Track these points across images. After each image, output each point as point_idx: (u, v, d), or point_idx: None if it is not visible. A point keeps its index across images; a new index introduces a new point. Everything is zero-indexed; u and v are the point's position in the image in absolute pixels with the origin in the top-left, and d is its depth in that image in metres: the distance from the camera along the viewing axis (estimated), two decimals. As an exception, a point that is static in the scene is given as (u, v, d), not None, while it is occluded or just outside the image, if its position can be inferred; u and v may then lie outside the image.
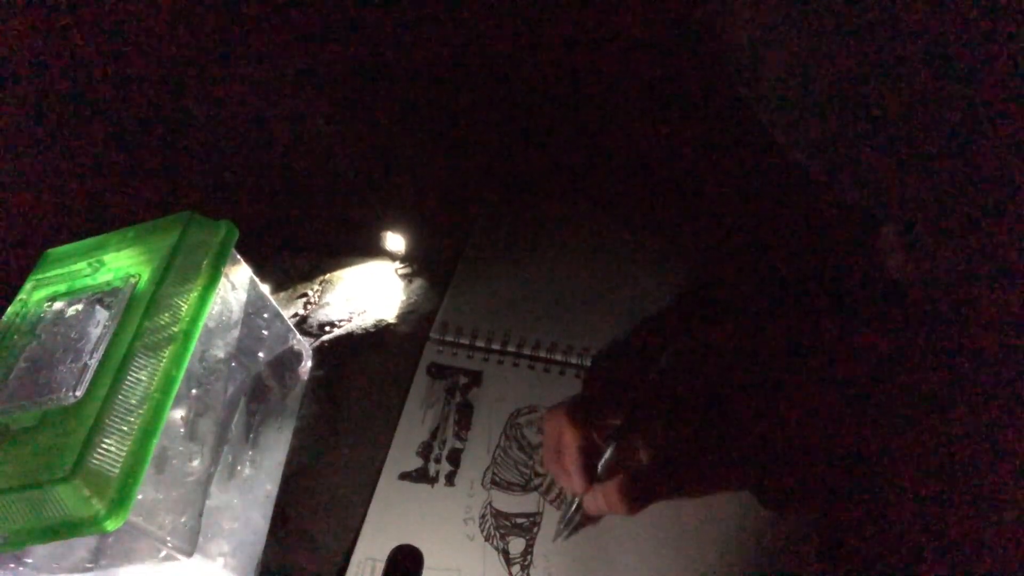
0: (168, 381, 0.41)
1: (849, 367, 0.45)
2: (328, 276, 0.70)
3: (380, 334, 0.64)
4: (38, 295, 0.48)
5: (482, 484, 0.54)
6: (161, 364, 0.41)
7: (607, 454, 0.43)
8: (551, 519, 0.51)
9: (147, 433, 0.38)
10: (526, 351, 0.61)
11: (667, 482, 0.42)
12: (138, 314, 0.43)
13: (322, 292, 0.69)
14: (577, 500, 0.45)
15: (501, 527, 0.51)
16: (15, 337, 0.45)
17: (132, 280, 0.45)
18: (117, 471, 0.37)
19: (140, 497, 0.38)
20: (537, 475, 0.54)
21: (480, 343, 0.62)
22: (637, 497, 0.41)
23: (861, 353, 0.45)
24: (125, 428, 0.38)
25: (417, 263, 0.70)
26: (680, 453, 0.42)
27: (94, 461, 0.36)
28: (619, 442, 0.43)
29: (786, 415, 0.44)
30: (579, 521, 0.46)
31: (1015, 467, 0.41)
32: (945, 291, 0.40)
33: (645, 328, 0.48)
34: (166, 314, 0.43)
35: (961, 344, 0.41)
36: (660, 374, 0.45)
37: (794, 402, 0.44)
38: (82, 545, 0.42)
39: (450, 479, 0.54)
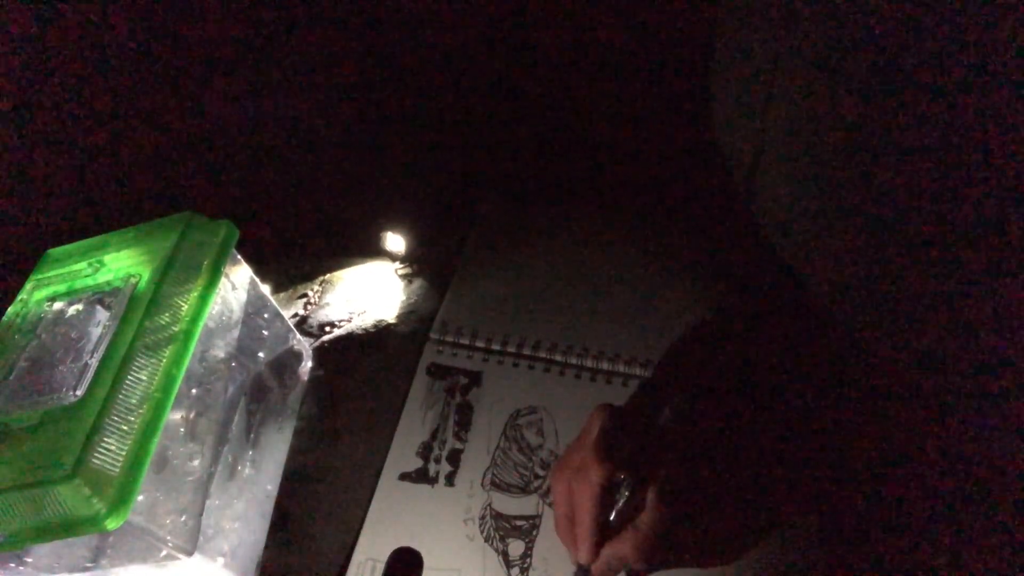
0: (168, 381, 0.41)
1: (862, 413, 0.45)
2: (328, 276, 0.70)
3: (380, 334, 0.64)
4: (39, 295, 0.48)
5: (482, 485, 0.54)
6: (161, 364, 0.41)
7: (615, 511, 0.42)
8: (550, 522, 0.51)
9: (147, 433, 0.38)
10: (526, 351, 0.61)
11: (678, 530, 0.40)
12: (138, 314, 0.43)
13: (322, 292, 0.69)
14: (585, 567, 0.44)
15: (501, 528, 0.51)
16: (16, 337, 0.45)
17: (132, 280, 0.46)
18: (118, 470, 0.37)
19: (140, 497, 0.38)
20: (537, 477, 0.54)
21: (480, 343, 0.62)
22: (648, 544, 0.39)
23: (873, 400, 0.45)
24: (126, 428, 0.38)
25: (417, 263, 0.70)
26: (692, 505, 0.41)
27: (95, 460, 0.36)
28: (627, 496, 0.41)
29: (798, 455, 0.43)
30: None
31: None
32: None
33: (653, 375, 0.47)
34: (166, 314, 0.43)
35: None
36: (663, 427, 0.45)
37: (806, 442, 0.43)
38: (82, 544, 0.42)
39: (450, 480, 0.54)
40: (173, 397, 0.40)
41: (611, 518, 0.42)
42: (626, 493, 0.42)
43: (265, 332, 0.57)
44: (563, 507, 0.44)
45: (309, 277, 0.71)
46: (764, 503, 0.43)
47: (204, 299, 0.45)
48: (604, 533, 0.42)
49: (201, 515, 0.45)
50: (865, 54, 0.30)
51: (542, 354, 0.61)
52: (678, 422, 0.44)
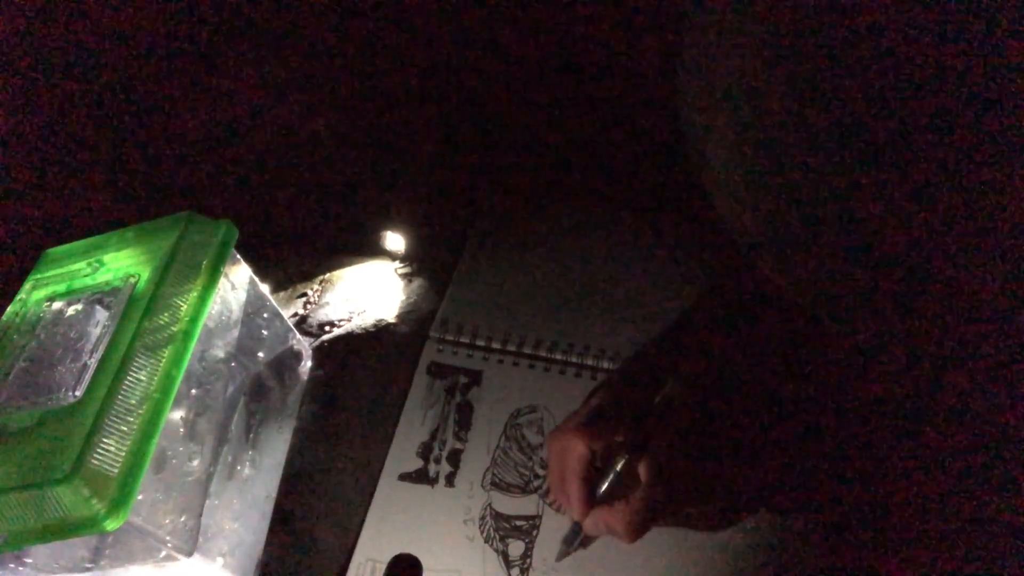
0: (168, 381, 0.40)
1: (853, 389, 0.45)
2: (328, 276, 0.70)
3: (380, 334, 0.64)
4: (38, 295, 0.48)
5: (482, 485, 0.53)
6: (161, 364, 0.41)
7: (610, 478, 0.43)
8: (550, 522, 0.51)
9: (147, 433, 0.38)
10: (526, 350, 0.61)
11: (667, 508, 0.42)
12: (138, 314, 0.43)
13: (322, 292, 0.69)
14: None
15: (500, 529, 0.51)
16: (15, 337, 0.45)
17: (132, 280, 0.45)
18: (117, 471, 0.37)
19: (140, 497, 0.38)
20: (537, 476, 0.54)
21: (480, 342, 0.62)
22: (637, 523, 0.41)
23: (865, 375, 0.45)
24: (125, 428, 0.38)
25: (417, 263, 0.70)
26: (681, 479, 0.42)
27: (94, 461, 0.36)
28: (622, 465, 0.43)
29: (788, 441, 0.44)
30: (580, 541, 0.46)
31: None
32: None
33: (649, 349, 0.48)
34: (166, 314, 0.43)
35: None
36: (663, 401, 0.46)
37: (796, 427, 0.44)
38: (82, 545, 0.42)
39: (450, 480, 0.54)
40: (172, 397, 0.40)
41: (603, 488, 0.44)
42: (620, 463, 0.42)
43: (265, 332, 0.57)
44: (556, 469, 0.46)
45: (309, 277, 0.71)
46: (755, 485, 0.44)
47: (203, 299, 0.45)
48: (593, 495, 0.44)
49: (201, 515, 0.45)
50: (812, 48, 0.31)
51: (542, 353, 0.61)
52: (674, 401, 0.45)
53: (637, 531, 0.42)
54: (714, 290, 0.52)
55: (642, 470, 0.42)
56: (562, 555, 0.47)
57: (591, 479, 0.44)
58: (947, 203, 0.29)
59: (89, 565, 0.43)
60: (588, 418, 0.45)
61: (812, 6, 0.30)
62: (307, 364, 0.62)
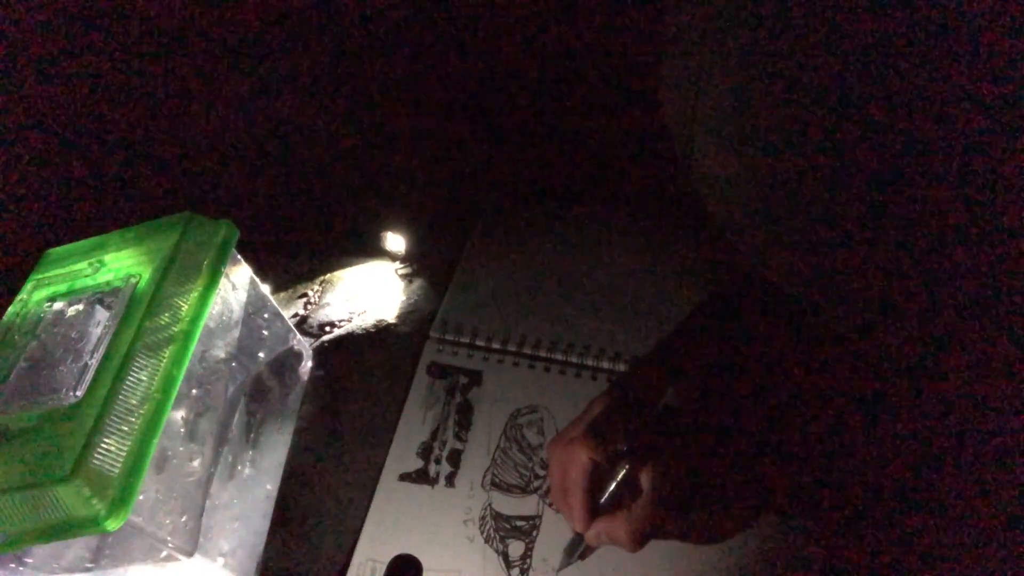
0: (169, 381, 0.41)
1: (856, 393, 0.45)
2: (328, 276, 0.70)
3: (380, 334, 0.64)
4: (39, 295, 0.48)
5: (482, 485, 0.54)
6: (162, 364, 0.41)
7: (611, 488, 0.43)
8: (550, 523, 0.51)
9: (148, 433, 0.38)
10: (526, 350, 0.61)
11: (670, 519, 0.42)
12: (139, 314, 0.43)
13: (322, 292, 0.69)
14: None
15: (501, 529, 0.51)
16: (16, 337, 0.45)
17: (133, 280, 0.45)
18: (118, 471, 0.37)
19: (140, 497, 0.38)
20: (537, 477, 0.54)
21: (480, 342, 0.62)
22: (640, 531, 0.41)
23: (865, 378, 0.45)
24: (125, 428, 0.38)
25: (417, 263, 0.70)
26: (684, 486, 0.42)
27: (95, 461, 0.36)
28: (624, 474, 0.43)
29: (790, 445, 0.44)
30: (581, 552, 0.46)
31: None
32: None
33: (650, 356, 0.48)
34: (167, 314, 0.43)
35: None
36: (665, 408, 0.45)
37: (798, 432, 0.44)
38: (82, 545, 0.42)
39: (450, 480, 0.54)
40: (173, 397, 0.40)
41: (605, 496, 0.43)
42: (623, 471, 0.42)
43: (265, 332, 0.57)
44: (558, 477, 0.45)
45: (309, 277, 0.71)
46: (757, 493, 0.44)
47: (204, 299, 0.45)
48: (595, 505, 0.43)
49: (201, 515, 0.45)
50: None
51: (542, 353, 0.61)
52: (675, 407, 0.45)
53: (640, 540, 0.41)
54: (715, 293, 0.52)
55: (644, 478, 0.42)
56: (563, 565, 0.47)
57: (594, 489, 0.43)
58: (935, 190, 0.29)
59: (89, 565, 0.43)
60: (590, 427, 0.44)
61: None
62: (307, 364, 0.62)
